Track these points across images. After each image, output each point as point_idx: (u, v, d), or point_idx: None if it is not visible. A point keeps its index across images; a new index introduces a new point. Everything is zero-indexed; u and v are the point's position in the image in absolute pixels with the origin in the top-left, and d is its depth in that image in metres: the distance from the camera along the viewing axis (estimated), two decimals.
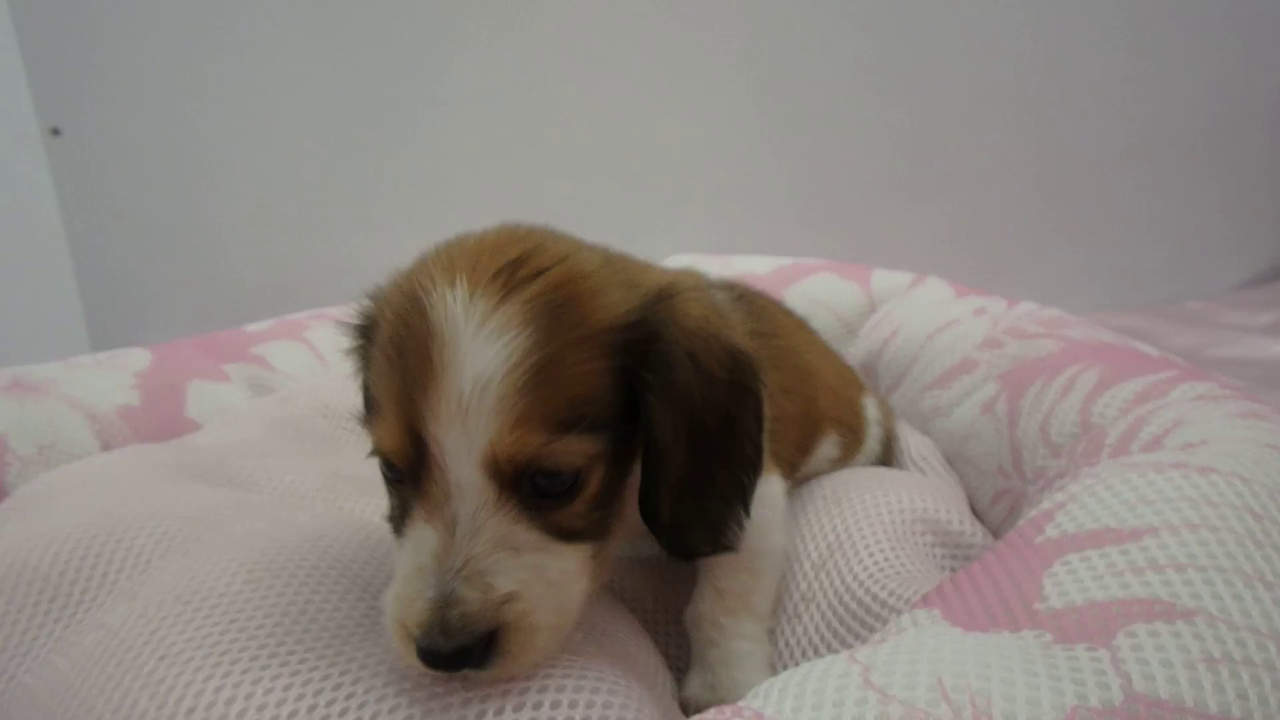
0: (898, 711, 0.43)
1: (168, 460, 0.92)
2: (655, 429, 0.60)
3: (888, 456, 1.14)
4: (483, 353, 0.54)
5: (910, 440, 1.14)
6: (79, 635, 0.63)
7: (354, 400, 1.22)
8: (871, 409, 1.13)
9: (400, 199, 2.30)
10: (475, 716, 0.53)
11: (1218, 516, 0.59)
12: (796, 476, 0.97)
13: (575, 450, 0.57)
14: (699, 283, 0.70)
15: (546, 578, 0.57)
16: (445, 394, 0.53)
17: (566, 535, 0.58)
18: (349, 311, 0.70)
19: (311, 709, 0.54)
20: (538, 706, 0.52)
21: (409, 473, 0.57)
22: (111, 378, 1.17)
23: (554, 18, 2.27)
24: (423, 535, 0.55)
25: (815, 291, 1.59)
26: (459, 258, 0.58)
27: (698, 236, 2.27)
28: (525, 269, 0.57)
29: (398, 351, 0.56)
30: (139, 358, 1.25)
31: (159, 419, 1.14)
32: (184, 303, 2.19)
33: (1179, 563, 0.55)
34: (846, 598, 0.78)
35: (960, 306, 1.33)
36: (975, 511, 1.01)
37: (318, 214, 2.26)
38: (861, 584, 0.78)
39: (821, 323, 1.53)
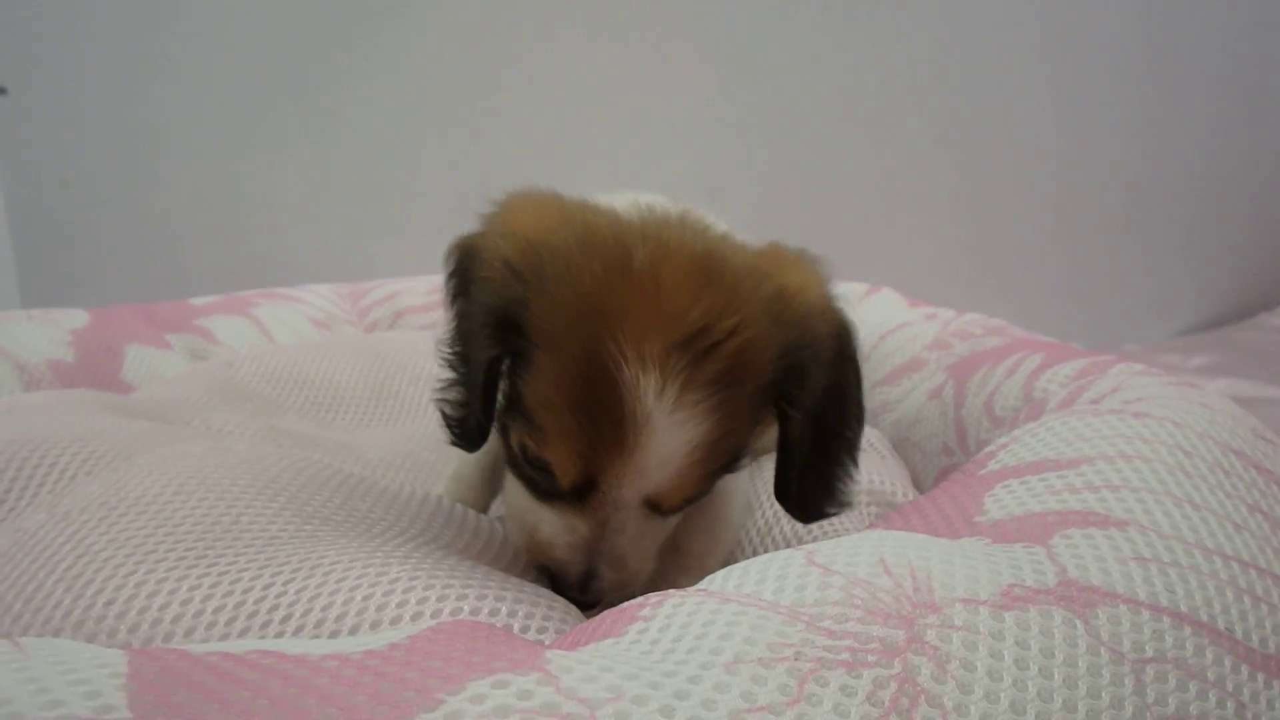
0: (839, 581, 0.43)
1: (99, 401, 0.90)
2: (792, 433, 0.66)
3: None
4: (669, 440, 0.59)
5: None
6: None
7: (302, 369, 1.21)
8: None
9: (355, 180, 2.27)
10: (410, 618, 0.52)
11: (1151, 450, 0.60)
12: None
13: (716, 482, 0.67)
14: (820, 283, 0.72)
15: (657, 542, 0.70)
16: (633, 465, 0.60)
17: (676, 511, 0.68)
18: (480, 273, 0.66)
19: (239, 605, 0.52)
20: (449, 613, 0.54)
21: (573, 491, 0.63)
22: (45, 333, 1.13)
23: (519, 18, 2.28)
24: (575, 524, 0.64)
25: None
26: (642, 317, 0.59)
27: None
28: (707, 341, 0.59)
29: (584, 410, 0.59)
30: (76, 317, 1.22)
31: (92, 378, 1.10)
32: (126, 277, 2.12)
33: (1113, 484, 0.56)
34: None
35: (912, 313, 1.36)
36: (920, 492, 1.02)
37: (271, 193, 2.21)
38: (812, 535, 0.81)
39: (855, 328, 1.56)
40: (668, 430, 0.59)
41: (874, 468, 0.96)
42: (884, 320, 1.36)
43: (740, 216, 2.31)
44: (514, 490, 0.70)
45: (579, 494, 0.63)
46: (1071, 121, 2.71)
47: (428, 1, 2.23)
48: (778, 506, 0.86)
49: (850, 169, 2.59)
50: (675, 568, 0.77)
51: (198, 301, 1.46)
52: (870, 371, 1.28)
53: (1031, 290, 2.80)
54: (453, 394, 0.69)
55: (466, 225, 0.72)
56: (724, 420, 0.61)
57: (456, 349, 0.70)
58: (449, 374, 0.70)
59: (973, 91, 2.61)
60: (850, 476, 0.71)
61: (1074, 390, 0.84)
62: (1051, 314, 2.80)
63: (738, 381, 0.61)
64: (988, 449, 0.69)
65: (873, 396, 1.24)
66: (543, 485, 0.66)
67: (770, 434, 1.00)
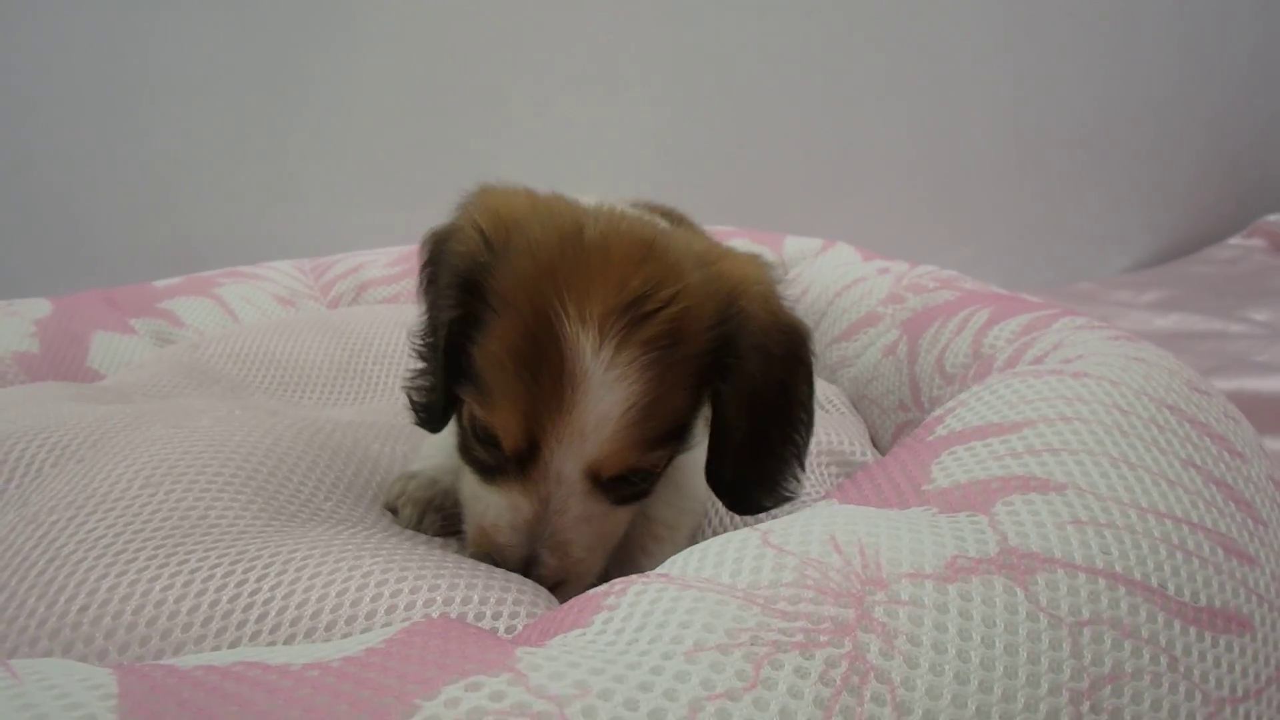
0: (792, 562, 0.46)
1: (65, 392, 0.90)
2: (725, 411, 0.68)
3: None
4: (606, 396, 0.62)
5: (818, 387, 1.18)
6: None
7: (268, 348, 1.22)
8: None
9: (312, 153, 2.24)
10: (385, 611, 0.55)
11: (1089, 411, 0.63)
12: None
13: (661, 456, 0.69)
14: (756, 267, 0.75)
15: (605, 535, 0.70)
16: (571, 423, 0.62)
17: (626, 500, 0.70)
18: (454, 245, 0.70)
19: (214, 604, 0.54)
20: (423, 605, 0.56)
21: (516, 457, 0.65)
22: (8, 324, 1.12)
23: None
24: (518, 502, 0.66)
25: None
26: (588, 281, 0.62)
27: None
28: (647, 306, 0.63)
29: (527, 367, 0.63)
30: (38, 306, 1.21)
31: (58, 368, 1.10)
32: (86, 261, 2.09)
33: (1053, 448, 0.59)
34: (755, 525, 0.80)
35: (866, 267, 1.38)
36: (879, 447, 1.05)
37: (228, 168, 2.17)
38: (770, 513, 0.81)
39: (809, 330, 1.57)
40: (604, 387, 0.61)
41: (833, 426, 0.99)
42: (839, 276, 1.38)
43: (692, 171, 2.32)
44: (466, 481, 0.71)
45: (522, 464, 0.65)
46: (1022, 62, 2.73)
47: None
48: (725, 512, 0.89)
49: (801, 116, 2.59)
50: (646, 535, 0.80)
51: (160, 284, 1.46)
52: (827, 327, 1.30)
53: (986, 231, 2.84)
54: (421, 381, 0.74)
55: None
56: (659, 383, 0.63)
57: (428, 339, 0.73)
58: (419, 364, 0.75)
59: (923, 35, 2.62)
60: (795, 477, 0.74)
61: (1019, 347, 0.87)
62: (1007, 253, 2.86)
63: (672, 345, 0.63)
64: (936, 413, 0.72)
65: (830, 352, 1.26)
66: (490, 463, 0.68)
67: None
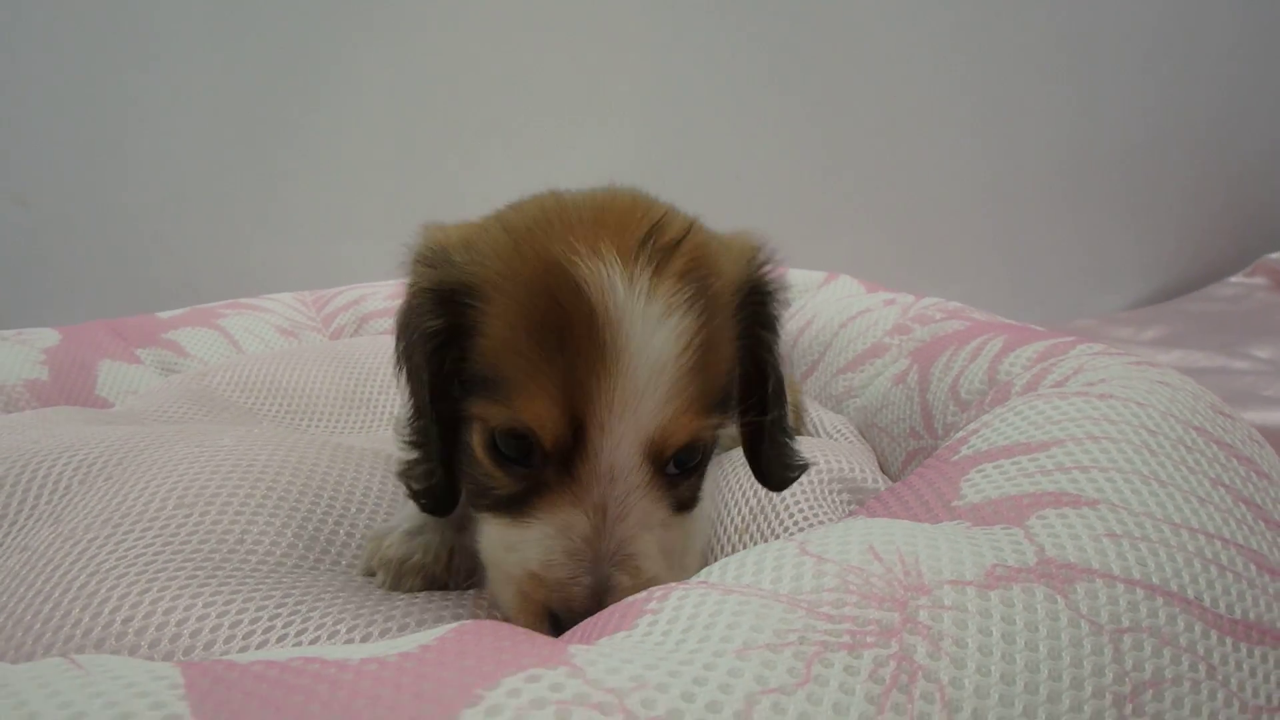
0: (833, 569, 0.46)
1: (80, 416, 0.90)
2: (769, 388, 0.64)
3: (798, 424, 1.17)
4: (657, 335, 0.52)
5: (824, 417, 1.19)
6: (2, 559, 0.61)
7: (274, 377, 1.22)
8: None
9: (310, 186, 2.27)
10: (416, 625, 0.55)
11: (1117, 431, 0.63)
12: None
13: (715, 426, 0.58)
14: (750, 239, 0.70)
15: (668, 551, 0.58)
16: (623, 379, 0.52)
17: (682, 506, 0.60)
18: (414, 279, 0.64)
19: (254, 620, 0.54)
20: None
21: (557, 455, 0.55)
22: (18, 353, 1.13)
23: (461, 18, 2.29)
24: (569, 519, 0.54)
25: None
26: (593, 228, 0.55)
27: None
28: (664, 239, 0.55)
29: (551, 331, 0.52)
30: (47, 336, 1.22)
31: (68, 395, 1.11)
32: (89, 293, 2.10)
33: (1083, 465, 0.59)
34: None
35: (871, 299, 1.39)
36: (888, 475, 1.05)
37: (228, 202, 2.20)
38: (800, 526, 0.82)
39: None
40: (650, 327, 0.52)
41: (842, 453, 0.99)
42: (844, 308, 1.39)
43: (686, 204, 2.30)
44: (489, 537, 0.59)
45: (566, 464, 0.54)
46: (1014, 100, 2.76)
47: (376, 29, 2.23)
48: (750, 505, 0.89)
49: (793, 151, 2.63)
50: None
51: (165, 315, 1.47)
52: (833, 359, 1.31)
53: (979, 269, 2.86)
54: (418, 468, 0.64)
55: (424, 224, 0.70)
56: (708, 322, 0.55)
57: (415, 421, 0.64)
58: (412, 452, 0.65)
59: (915, 73, 2.65)
60: (792, 444, 0.71)
61: (1038, 373, 0.87)
62: (1000, 292, 2.87)
63: (708, 278, 0.56)
64: (958, 434, 0.72)
65: (836, 383, 1.27)
66: (520, 488, 0.57)
67: (725, 431, 1.02)
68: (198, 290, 1.91)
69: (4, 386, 1.05)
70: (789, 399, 1.15)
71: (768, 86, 2.54)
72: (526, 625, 0.52)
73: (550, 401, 0.53)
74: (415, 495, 0.63)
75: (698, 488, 0.62)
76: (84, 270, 2.11)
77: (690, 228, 0.58)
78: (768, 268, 0.65)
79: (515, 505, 0.56)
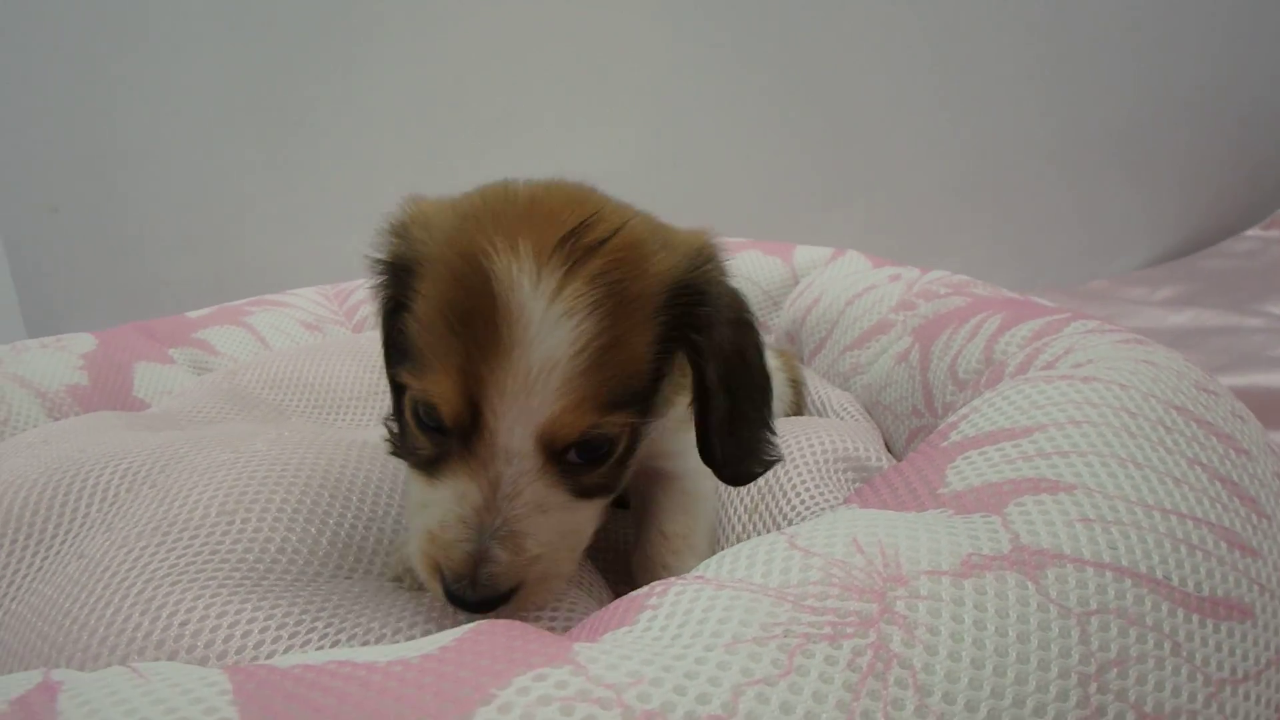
0: (818, 563, 0.50)
1: (121, 421, 0.95)
2: (707, 384, 0.65)
3: (799, 398, 1.21)
4: (552, 334, 0.55)
5: (831, 394, 1.22)
6: (60, 564, 0.66)
7: (301, 373, 1.27)
8: (770, 359, 1.18)
9: (325, 180, 2.32)
10: (439, 625, 0.59)
11: (1097, 414, 0.66)
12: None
13: (620, 423, 0.61)
14: (707, 235, 0.73)
15: (567, 532, 0.62)
16: (513, 371, 0.55)
17: (589, 493, 0.63)
18: (375, 246, 0.69)
19: (297, 624, 0.59)
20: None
21: (458, 431, 0.59)
22: (59, 359, 1.19)
23: (477, 12, 2.31)
24: (465, 489, 0.58)
25: (741, 267, 1.65)
26: (518, 221, 0.58)
27: None
28: (587, 238, 0.58)
29: (459, 317, 0.56)
30: (84, 341, 1.28)
31: (107, 398, 1.16)
32: (119, 294, 2.18)
33: (1063, 450, 0.62)
34: None
35: (877, 274, 1.41)
36: (893, 452, 1.09)
37: (246, 200, 2.26)
38: (791, 521, 0.85)
39: (747, 296, 1.60)
40: (547, 325, 0.55)
41: (848, 432, 1.02)
42: (850, 284, 1.41)
43: (699, 180, 2.34)
44: (412, 490, 0.65)
45: (466, 439, 0.58)
46: (1035, 58, 2.73)
47: (389, 28, 2.27)
48: (758, 484, 0.92)
49: (810, 116, 2.62)
50: (666, 552, 0.80)
51: (194, 314, 1.52)
52: (840, 336, 1.34)
53: (999, 229, 2.85)
54: (396, 434, 0.70)
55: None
56: (611, 323, 0.57)
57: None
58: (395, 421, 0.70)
59: (935, 31, 2.63)
60: (769, 439, 0.72)
61: (1031, 353, 0.90)
62: (1020, 250, 2.86)
63: (624, 281, 0.58)
64: (950, 419, 0.75)
65: (843, 360, 1.30)
66: (434, 453, 0.61)
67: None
68: (224, 288, 1.96)
69: (47, 393, 1.11)
70: (791, 377, 1.19)
71: (769, 64, 2.54)
72: (425, 576, 0.60)
73: (451, 382, 0.57)
74: (389, 438, 0.70)
75: (613, 476, 0.65)
76: (114, 272, 2.18)
77: (621, 227, 0.60)
78: (709, 267, 0.66)
79: (431, 467, 0.61)
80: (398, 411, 0.67)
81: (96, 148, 2.13)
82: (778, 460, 0.72)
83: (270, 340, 1.51)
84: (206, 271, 2.22)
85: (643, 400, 0.62)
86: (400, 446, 0.68)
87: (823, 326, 1.40)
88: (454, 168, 2.34)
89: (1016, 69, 2.72)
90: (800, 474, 0.92)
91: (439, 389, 0.58)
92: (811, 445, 0.97)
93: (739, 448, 0.69)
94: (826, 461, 0.95)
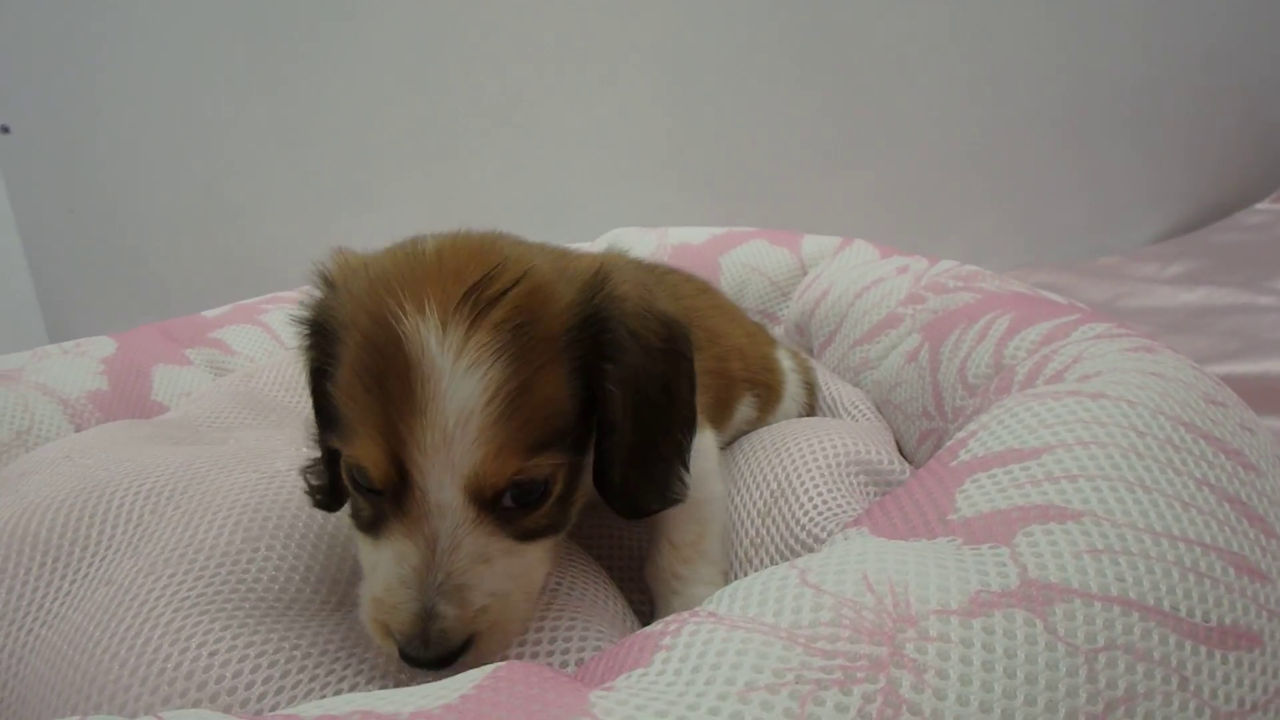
0: (829, 601, 0.51)
1: (142, 432, 0.97)
2: (610, 411, 0.64)
3: (812, 400, 1.21)
4: (462, 386, 0.56)
5: (842, 391, 1.22)
6: (88, 590, 0.68)
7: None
8: (786, 360, 1.19)
9: (338, 183, 2.34)
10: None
11: (1106, 434, 0.66)
12: (721, 433, 1.02)
13: (548, 464, 0.62)
14: (625, 260, 0.74)
15: (513, 578, 0.62)
16: (430, 427, 0.57)
17: (533, 535, 0.64)
18: (299, 304, 0.71)
19: (321, 657, 0.61)
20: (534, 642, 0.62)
21: (389, 491, 0.60)
22: (79, 365, 1.20)
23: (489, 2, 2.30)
24: (403, 549, 0.59)
25: (748, 258, 1.66)
26: (424, 280, 0.59)
27: (635, 210, 2.34)
28: (490, 290, 0.59)
29: (375, 379, 0.58)
30: (104, 345, 1.29)
31: (127, 402, 1.18)
32: (139, 294, 2.21)
33: (1071, 474, 0.62)
34: (791, 540, 0.85)
35: (885, 266, 1.41)
36: (903, 452, 1.09)
37: (261, 200, 2.28)
38: (804, 527, 0.85)
39: (755, 287, 1.60)
40: (456, 379, 0.56)
41: (860, 434, 1.02)
42: (858, 277, 1.41)
43: (706, 168, 2.33)
44: (361, 556, 0.66)
45: (399, 500, 0.60)
46: (1046, 24, 2.69)
47: (397, 25, 2.27)
48: (770, 489, 0.93)
49: (811, 92, 2.61)
50: (677, 561, 0.81)
51: (210, 314, 1.53)
52: (849, 329, 1.34)
53: (1008, 201, 2.83)
54: (314, 467, 0.73)
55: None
56: (520, 367, 0.58)
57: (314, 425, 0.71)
58: (314, 450, 0.73)
59: (918, 26, 2.60)
60: (679, 476, 0.71)
61: (1040, 360, 0.90)
62: (1029, 222, 2.84)
63: (529, 324, 0.60)
64: (959, 434, 0.76)
65: (853, 355, 1.30)
66: (374, 512, 0.63)
67: (736, 417, 1.06)
68: (238, 283, 1.98)
69: (69, 400, 1.13)
70: (806, 380, 1.20)
71: (777, 45, 2.52)
72: (379, 641, 0.61)
73: (374, 444, 0.59)
74: (310, 491, 0.71)
75: (558, 516, 0.66)
76: (131, 272, 2.21)
77: (523, 275, 0.61)
78: (606, 291, 0.66)
79: (373, 529, 0.63)
80: (332, 477, 0.69)
81: (111, 151, 2.16)
82: (679, 500, 0.72)
83: (285, 338, 1.52)
84: (221, 269, 2.25)
85: (571, 438, 0.63)
86: (323, 500, 0.71)
87: (832, 319, 1.40)
88: (467, 158, 2.35)
89: (1022, 38, 2.68)
90: (813, 478, 0.92)
91: (365, 452, 0.59)
92: (824, 448, 0.97)
93: (643, 481, 0.69)
94: (838, 465, 0.96)
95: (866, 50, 2.59)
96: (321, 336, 0.66)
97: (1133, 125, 2.86)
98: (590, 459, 0.68)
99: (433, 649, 0.58)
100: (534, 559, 0.65)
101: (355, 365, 0.60)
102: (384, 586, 0.60)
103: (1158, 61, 2.82)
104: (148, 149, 2.17)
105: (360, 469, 0.61)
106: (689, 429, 0.71)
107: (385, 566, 0.60)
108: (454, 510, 0.59)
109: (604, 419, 0.65)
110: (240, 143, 2.24)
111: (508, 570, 0.62)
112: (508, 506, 0.62)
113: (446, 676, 0.51)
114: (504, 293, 0.59)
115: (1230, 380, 1.58)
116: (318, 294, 0.68)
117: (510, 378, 0.58)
